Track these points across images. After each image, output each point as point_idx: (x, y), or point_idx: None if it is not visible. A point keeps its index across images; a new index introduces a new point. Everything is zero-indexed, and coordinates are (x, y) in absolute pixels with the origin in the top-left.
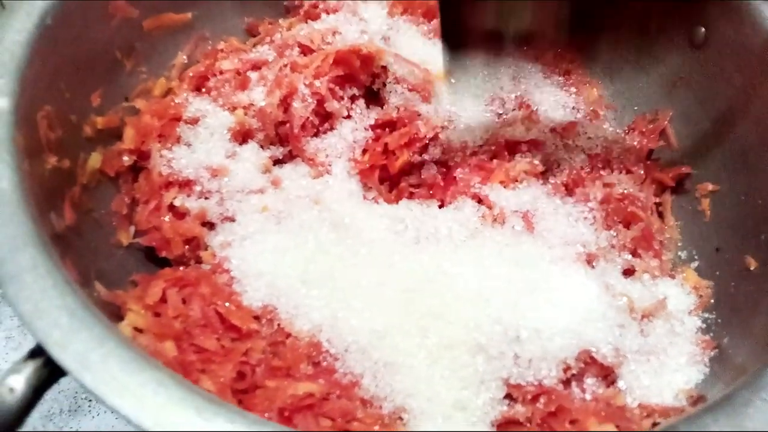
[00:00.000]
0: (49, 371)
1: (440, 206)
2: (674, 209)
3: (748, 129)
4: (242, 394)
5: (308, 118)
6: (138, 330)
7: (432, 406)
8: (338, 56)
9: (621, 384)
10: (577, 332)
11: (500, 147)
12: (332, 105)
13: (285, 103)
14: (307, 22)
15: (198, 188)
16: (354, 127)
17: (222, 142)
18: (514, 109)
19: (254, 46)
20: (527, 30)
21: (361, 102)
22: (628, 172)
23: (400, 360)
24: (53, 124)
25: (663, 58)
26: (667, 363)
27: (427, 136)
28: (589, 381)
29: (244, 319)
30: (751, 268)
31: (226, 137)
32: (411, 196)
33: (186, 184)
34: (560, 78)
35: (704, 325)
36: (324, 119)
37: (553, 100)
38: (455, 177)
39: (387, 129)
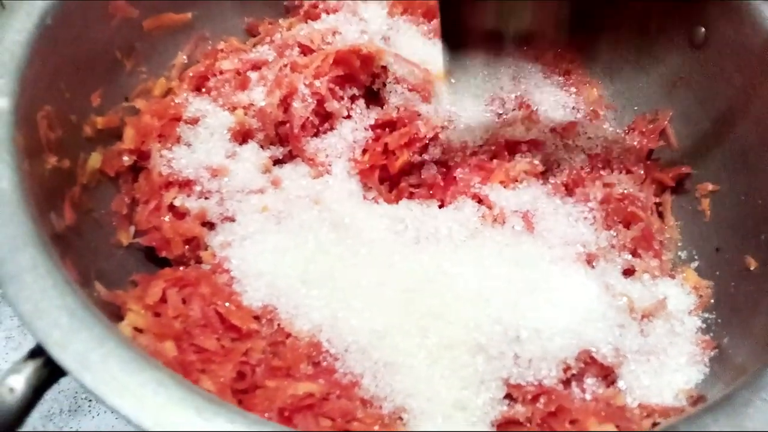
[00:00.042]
0: (49, 371)
1: (440, 206)
2: (674, 209)
3: (748, 129)
4: (242, 394)
5: (308, 118)
6: (138, 330)
7: (432, 406)
8: (338, 56)
9: (621, 384)
10: (577, 332)
11: (500, 147)
12: (332, 105)
13: (285, 103)
14: (307, 22)
15: (198, 188)
16: (354, 127)
17: (222, 142)
18: (514, 109)
19: (254, 46)
20: (527, 30)
21: (361, 102)
22: (628, 172)
23: (400, 360)
24: (53, 124)
25: (663, 58)
26: (667, 363)
27: (427, 136)
28: (589, 381)
29: (244, 319)
30: (751, 268)
31: (226, 137)
32: (411, 196)
33: (186, 184)
34: (560, 78)
35: (704, 325)
36: (324, 119)
37: (553, 100)
38: (455, 177)
39: (387, 129)
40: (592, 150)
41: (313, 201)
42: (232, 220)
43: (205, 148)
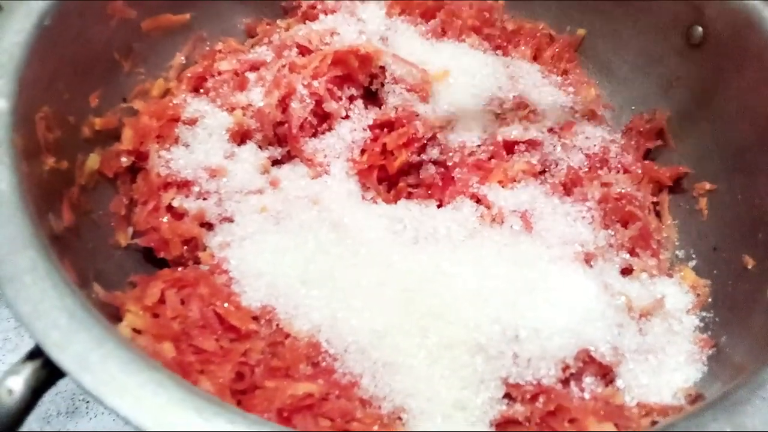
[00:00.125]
0: (47, 372)
1: (439, 206)
2: (672, 208)
3: (746, 128)
4: (241, 394)
5: (306, 118)
6: (137, 331)
7: (431, 405)
8: (336, 57)
9: (620, 383)
10: (576, 331)
11: (498, 147)
12: (330, 105)
13: (283, 104)
14: (305, 23)
15: (196, 189)
16: (352, 128)
17: (220, 142)
18: (512, 109)
19: (252, 46)
20: None
21: (359, 102)
22: (626, 171)
23: (399, 360)
24: (51, 125)
25: (661, 57)
26: (665, 362)
27: (426, 136)
28: (588, 380)
29: (243, 319)
30: (749, 267)
31: (224, 138)
32: (409, 196)
33: (184, 185)
34: (558, 77)
35: (702, 324)
36: (322, 119)
37: (551, 99)
38: (453, 177)
39: (385, 129)
40: (590, 149)
41: (312, 201)
42: (230, 220)
43: (203, 148)
